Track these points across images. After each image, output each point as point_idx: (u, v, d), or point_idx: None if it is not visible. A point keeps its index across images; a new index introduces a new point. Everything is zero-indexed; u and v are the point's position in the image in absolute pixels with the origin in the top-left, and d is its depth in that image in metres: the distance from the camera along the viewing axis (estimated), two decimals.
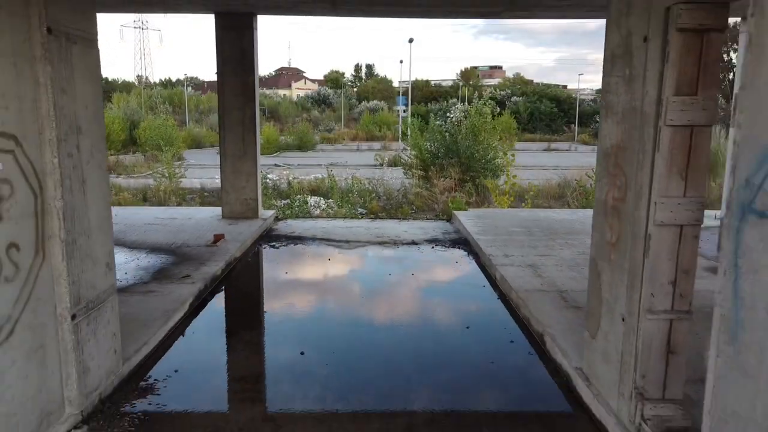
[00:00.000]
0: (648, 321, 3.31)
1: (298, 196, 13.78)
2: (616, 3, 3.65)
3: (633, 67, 3.42)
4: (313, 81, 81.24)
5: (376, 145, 36.06)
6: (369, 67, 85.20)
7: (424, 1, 8.07)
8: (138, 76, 77.91)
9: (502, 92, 54.92)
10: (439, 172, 14.60)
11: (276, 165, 23.22)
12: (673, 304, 3.30)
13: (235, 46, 9.47)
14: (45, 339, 3.36)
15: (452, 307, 6.40)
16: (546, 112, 51.69)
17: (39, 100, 3.28)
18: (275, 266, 7.88)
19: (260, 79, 10.32)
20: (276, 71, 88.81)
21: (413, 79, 55.53)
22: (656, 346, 3.33)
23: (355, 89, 70.88)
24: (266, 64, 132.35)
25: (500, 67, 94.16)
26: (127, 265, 6.92)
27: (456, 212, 10.78)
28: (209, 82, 64.32)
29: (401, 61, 63.21)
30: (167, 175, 15.96)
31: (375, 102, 58.14)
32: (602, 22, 4.28)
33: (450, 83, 70.26)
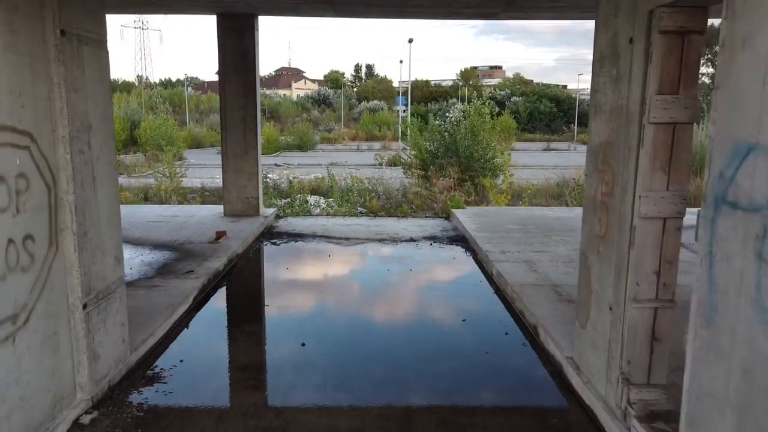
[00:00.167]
0: (633, 309, 3.47)
1: (299, 195, 13.89)
2: (605, 6, 3.82)
3: (619, 67, 3.58)
4: (313, 81, 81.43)
5: (376, 145, 36.15)
6: (369, 67, 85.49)
7: (421, 3, 8.21)
8: (138, 76, 78.19)
9: (501, 92, 55.02)
10: (439, 172, 14.73)
11: (276, 165, 23.33)
12: (657, 293, 3.47)
13: (237, 46, 9.65)
14: (58, 327, 3.52)
15: (449, 302, 6.56)
16: (545, 112, 51.78)
17: (53, 99, 3.45)
18: (276, 262, 8.04)
19: (260, 79, 10.48)
20: (276, 71, 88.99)
21: (413, 79, 55.68)
22: (641, 333, 3.50)
23: (355, 89, 71.06)
24: (266, 64, 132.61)
25: (500, 67, 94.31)
26: (132, 260, 7.08)
27: (454, 210, 10.93)
28: (209, 82, 64.50)
29: (401, 61, 63.30)
30: (168, 174, 16.08)
31: (375, 102, 58.22)
32: None
33: (450, 83, 70.37)
